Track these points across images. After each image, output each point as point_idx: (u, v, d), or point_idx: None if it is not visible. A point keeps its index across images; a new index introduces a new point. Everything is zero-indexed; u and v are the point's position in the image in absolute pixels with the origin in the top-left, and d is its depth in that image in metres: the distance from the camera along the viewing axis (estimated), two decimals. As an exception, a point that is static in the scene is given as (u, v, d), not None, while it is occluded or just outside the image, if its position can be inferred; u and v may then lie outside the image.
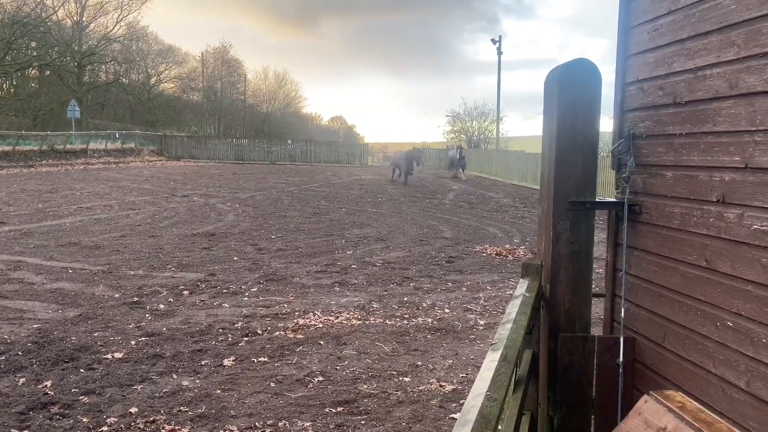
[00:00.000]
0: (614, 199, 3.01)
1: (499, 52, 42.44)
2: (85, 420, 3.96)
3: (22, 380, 4.57)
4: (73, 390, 4.43)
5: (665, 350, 2.67)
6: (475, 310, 6.90)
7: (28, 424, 3.89)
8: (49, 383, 4.51)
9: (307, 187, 24.26)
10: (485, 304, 7.20)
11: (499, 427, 2.09)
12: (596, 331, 3.64)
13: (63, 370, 4.80)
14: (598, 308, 4.72)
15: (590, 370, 2.85)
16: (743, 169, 2.23)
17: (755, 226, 2.17)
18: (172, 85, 59.07)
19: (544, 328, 2.88)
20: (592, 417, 2.84)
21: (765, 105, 2.13)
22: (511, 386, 2.34)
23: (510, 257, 10.28)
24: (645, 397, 1.99)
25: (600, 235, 4.63)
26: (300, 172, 33.79)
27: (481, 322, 6.43)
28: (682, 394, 2.05)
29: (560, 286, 2.87)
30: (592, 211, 2.90)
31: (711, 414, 1.86)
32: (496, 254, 10.47)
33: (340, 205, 17.77)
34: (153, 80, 56.66)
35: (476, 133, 52.12)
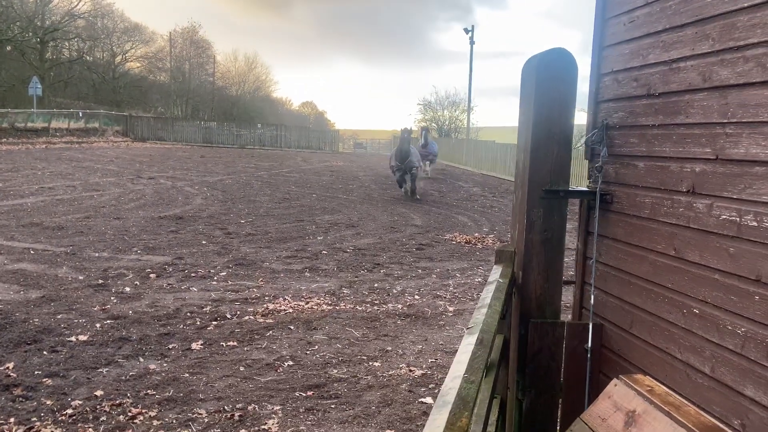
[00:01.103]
0: (586, 189, 3.06)
1: (472, 42, 42.56)
2: (48, 402, 3.87)
3: (-19, 362, 4.44)
4: (36, 372, 4.33)
5: (632, 336, 2.74)
6: (445, 297, 6.96)
7: (-11, 406, 3.79)
8: (11, 365, 4.40)
9: (277, 172, 24.04)
10: (454, 291, 7.26)
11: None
12: (566, 317, 3.71)
13: (26, 352, 4.69)
14: (567, 295, 4.81)
15: (559, 356, 2.90)
16: (714, 161, 2.29)
17: (723, 216, 2.23)
18: (138, 64, 57.65)
19: (515, 313, 2.92)
20: (560, 401, 2.90)
21: (737, 98, 2.18)
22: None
23: (479, 245, 10.38)
24: (615, 380, 2.04)
25: (570, 224, 4.71)
26: (270, 157, 33.45)
27: (451, 309, 6.49)
28: (651, 378, 2.11)
29: (532, 273, 2.91)
30: (565, 199, 2.94)
31: (679, 397, 1.92)
32: (466, 242, 10.56)
33: (311, 191, 17.67)
34: (118, 59, 55.21)
35: (447, 123, 52.30)
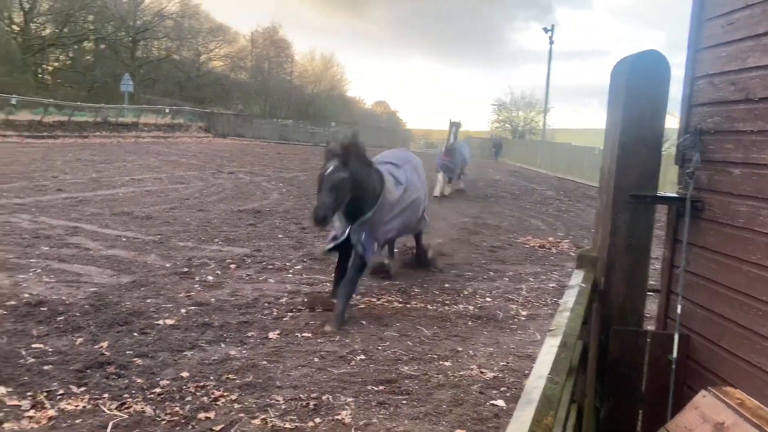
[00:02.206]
0: (676, 195, 2.96)
1: (551, 42, 41.65)
2: (139, 381, 4.13)
3: (80, 340, 4.79)
4: (127, 352, 4.62)
5: (721, 349, 2.64)
6: (517, 301, 6.88)
7: (86, 381, 4.09)
8: (105, 344, 4.72)
9: (349, 170, 24.38)
10: (527, 295, 7.17)
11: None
12: (648, 326, 3.60)
13: (118, 332, 5.01)
14: (650, 304, 4.66)
15: (641, 365, 2.83)
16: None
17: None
18: (221, 63, 59.93)
19: (596, 319, 2.87)
20: (640, 411, 2.83)
21: None
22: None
23: (553, 250, 10.18)
24: (703, 392, 1.98)
25: (655, 231, 4.56)
26: (343, 155, 33.92)
27: (523, 313, 6.42)
28: (741, 392, 2.03)
29: (615, 279, 2.85)
30: (652, 205, 2.86)
31: (772, 414, 1.85)
32: (539, 246, 10.37)
33: (383, 190, 17.81)
34: (203, 58, 57.61)
35: (522, 124, 51.39)
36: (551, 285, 7.71)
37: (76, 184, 13.70)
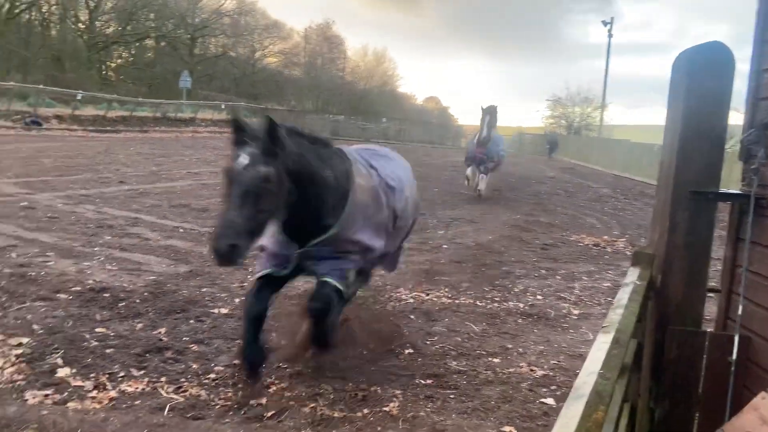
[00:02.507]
0: (739, 191, 2.85)
1: (610, 35, 40.53)
2: (194, 366, 4.28)
3: (139, 325, 4.99)
4: (184, 338, 4.78)
5: (785, 353, 2.53)
6: (569, 300, 6.75)
7: (146, 365, 4.26)
8: (163, 330, 4.90)
9: (400, 165, 24.41)
10: (580, 294, 7.02)
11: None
12: (706, 327, 3.48)
13: (175, 319, 5.19)
14: (709, 305, 4.50)
15: (698, 366, 2.74)
16: None
17: None
18: (275, 59, 60.97)
19: (652, 319, 2.80)
20: (697, 413, 2.74)
21: None
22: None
23: (608, 249, 9.93)
24: (763, 393, 1.91)
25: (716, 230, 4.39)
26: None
27: (575, 312, 6.29)
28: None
29: (673, 278, 2.77)
30: (714, 202, 2.76)
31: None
32: (594, 245, 10.14)
33: (432, 185, 17.77)
34: (258, 54, 58.73)
35: (577, 120, 50.23)
36: (605, 284, 7.53)
37: (137, 176, 14.23)
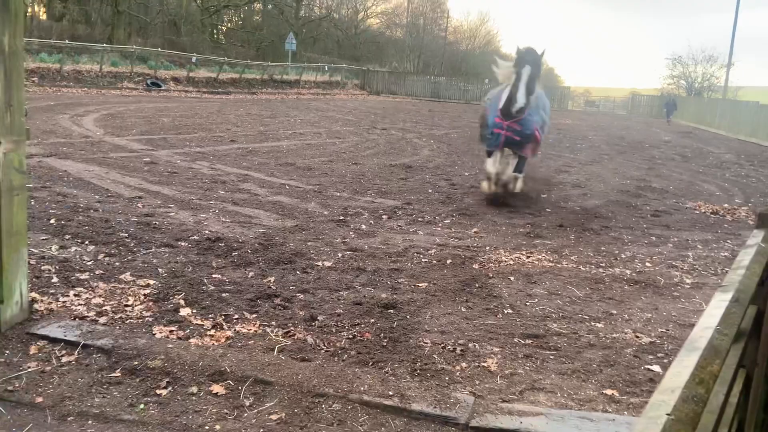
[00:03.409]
0: None
1: (740, -14, 36.80)
2: (301, 313, 4.51)
3: (251, 274, 5.31)
4: (291, 287, 5.04)
5: None
6: (682, 268, 6.40)
7: (257, 309, 4.54)
8: (272, 279, 5.19)
9: (502, 127, 23.86)
10: (694, 263, 6.63)
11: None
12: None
13: (283, 269, 5.48)
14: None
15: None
16: None
17: None
18: (377, 20, 60.90)
19: (776, 285, 2.61)
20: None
21: None
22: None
23: (728, 217, 9.26)
24: None
25: None
26: (496, 113, 33.22)
27: (688, 281, 5.97)
28: None
29: (804, 242, 2.55)
30: None
31: None
32: (712, 213, 9.49)
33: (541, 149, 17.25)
34: (360, 16, 58.90)
35: (699, 80, 46.48)
36: (723, 254, 7.06)
37: (246, 136, 14.91)
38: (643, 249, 7.10)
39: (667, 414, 1.12)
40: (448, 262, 6.06)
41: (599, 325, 4.71)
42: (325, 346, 3.99)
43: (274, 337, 4.08)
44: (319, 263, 5.72)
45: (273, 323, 4.31)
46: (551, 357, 4.07)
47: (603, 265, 6.36)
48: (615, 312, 5.01)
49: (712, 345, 1.36)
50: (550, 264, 6.27)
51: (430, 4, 61.42)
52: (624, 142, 21.82)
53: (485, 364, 3.87)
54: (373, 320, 4.47)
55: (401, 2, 61.33)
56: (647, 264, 6.49)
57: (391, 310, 4.68)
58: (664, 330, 4.67)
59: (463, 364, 3.86)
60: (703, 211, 9.60)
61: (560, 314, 4.89)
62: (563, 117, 35.28)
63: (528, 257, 6.45)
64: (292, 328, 4.23)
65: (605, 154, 17.41)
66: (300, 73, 41.05)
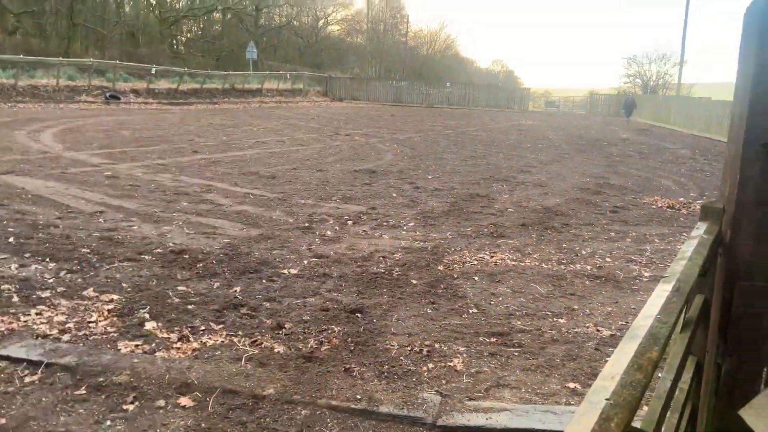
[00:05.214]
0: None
1: (688, -13, 38.07)
2: (268, 322, 4.52)
3: (216, 284, 5.30)
4: (257, 296, 5.05)
5: None
6: (640, 262, 6.61)
7: (223, 320, 4.54)
8: (238, 289, 5.18)
9: (463, 131, 24.18)
10: (652, 256, 6.86)
11: (665, 364, 2.10)
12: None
13: (249, 279, 5.47)
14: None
15: (766, 322, 2.68)
16: None
17: None
18: (338, 27, 61.01)
19: (720, 274, 2.74)
20: (765, 368, 2.69)
21: None
22: (680, 324, 2.31)
23: (684, 211, 9.58)
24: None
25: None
26: (457, 116, 33.63)
27: (646, 274, 6.17)
28: None
29: (743, 233, 2.69)
30: (789, 154, 2.65)
31: None
32: (668, 207, 9.80)
33: (498, 150, 17.55)
34: (321, 23, 58.91)
35: (654, 78, 47.80)
36: (679, 247, 7.31)
37: (209, 146, 14.78)
38: (603, 245, 7.31)
39: (606, 399, 1.19)
40: (413, 264, 6.14)
41: (561, 320, 4.84)
42: (293, 353, 4.01)
43: (241, 347, 4.08)
44: (285, 271, 5.73)
45: (240, 333, 4.32)
46: (515, 354, 4.17)
47: (565, 262, 6.52)
48: (577, 307, 5.15)
49: (651, 333, 1.45)
50: (514, 263, 6.41)
51: (389, 10, 61.81)
52: (583, 141, 22.31)
53: (451, 364, 3.95)
54: (340, 326, 4.51)
55: (361, 8, 61.65)
56: (607, 259, 6.68)
57: (358, 315, 4.73)
58: (624, 323, 4.83)
59: (430, 365, 3.93)
60: (660, 205, 9.91)
61: (524, 312, 5.01)
62: (524, 118, 35.88)
63: (492, 257, 6.57)
64: (259, 337, 4.24)
65: (565, 153, 17.79)
66: (261, 81, 40.84)
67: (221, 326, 4.41)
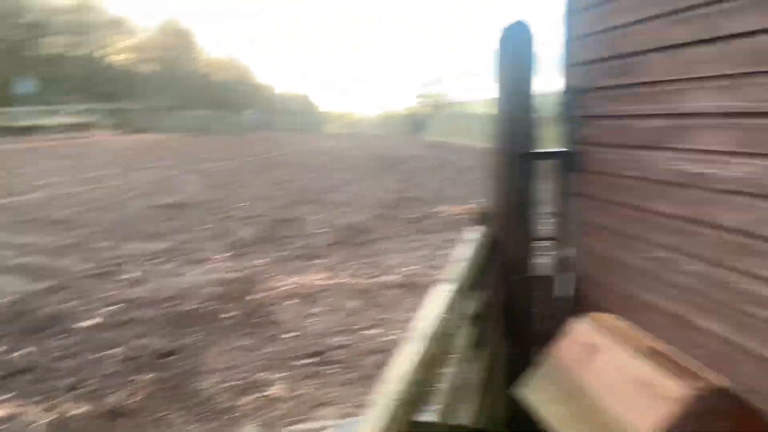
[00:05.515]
0: (559, 150, 3.25)
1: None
2: (65, 382, 4.10)
3: (1, 349, 4.68)
4: (51, 355, 4.56)
5: (603, 283, 2.96)
6: (438, 266, 7.19)
7: (13, 387, 4.02)
8: (27, 350, 4.63)
9: (268, 156, 24.18)
10: (447, 260, 7.48)
11: (457, 358, 2.34)
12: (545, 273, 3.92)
13: (40, 337, 4.91)
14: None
15: (536, 308, 3.13)
16: (672, 116, 2.49)
17: (676, 167, 2.44)
18: (125, 56, 57.31)
19: (496, 271, 3.13)
20: (532, 348, 3.12)
21: (690, 56, 2.37)
22: (466, 320, 2.59)
23: (467, 216, 10.60)
24: (579, 319, 2.26)
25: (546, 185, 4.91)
26: (260, 142, 33.51)
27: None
28: (615, 317, 2.32)
29: (510, 232, 3.11)
30: (538, 161, 3.13)
31: (641, 332, 2.14)
32: (456, 214, 10.79)
33: (304, 172, 17.84)
34: (104, 52, 54.87)
35: (437, 99, 52.32)
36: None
37: (-23, 194, 12.93)
38: (405, 255, 7.81)
39: (393, 399, 1.33)
40: (230, 296, 6.00)
41: (373, 331, 5.09)
42: (97, 411, 3.70)
43: (35, 415, 3.65)
44: (84, 323, 5.25)
45: (34, 399, 3.86)
46: (334, 371, 4.29)
47: (374, 275, 6.86)
48: (386, 317, 5.45)
49: (434, 331, 1.64)
50: (326, 282, 6.58)
51: (178, 39, 59.59)
52: (380, 159, 23.60)
53: (271, 392, 3.94)
54: (152, 372, 4.26)
55: (150, 36, 58.57)
56: (411, 268, 7.16)
57: (171, 358, 4.51)
58: (429, 324, 5.22)
59: (249, 397, 3.89)
60: (449, 213, 10.88)
61: (339, 328, 5.17)
62: (325, 140, 36.90)
63: (305, 278, 6.68)
64: (55, 401, 3.84)
65: (366, 171, 18.67)
66: (44, 117, 36.76)
67: (10, 395, 3.90)
